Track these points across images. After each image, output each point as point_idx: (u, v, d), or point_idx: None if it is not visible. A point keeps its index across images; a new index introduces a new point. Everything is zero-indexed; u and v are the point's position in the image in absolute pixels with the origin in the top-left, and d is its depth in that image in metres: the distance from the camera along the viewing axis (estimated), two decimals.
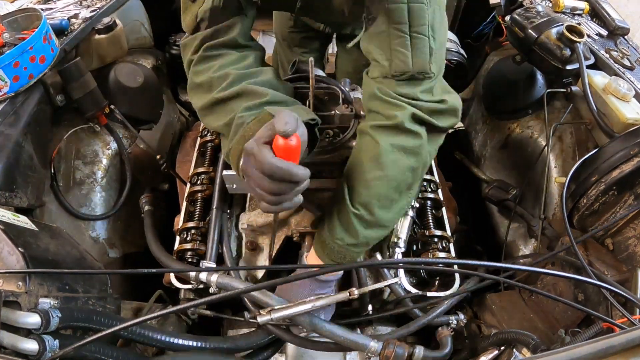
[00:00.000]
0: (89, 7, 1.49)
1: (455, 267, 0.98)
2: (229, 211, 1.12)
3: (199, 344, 0.81)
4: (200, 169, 1.18)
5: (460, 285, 1.01)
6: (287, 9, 1.21)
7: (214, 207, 1.07)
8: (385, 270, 0.99)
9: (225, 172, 1.02)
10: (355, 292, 0.81)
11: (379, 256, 1.04)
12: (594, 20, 1.55)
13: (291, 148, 0.66)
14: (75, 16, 1.43)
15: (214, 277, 0.89)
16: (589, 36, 1.42)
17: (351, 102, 1.15)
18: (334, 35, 1.67)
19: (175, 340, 0.80)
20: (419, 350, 0.85)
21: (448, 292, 1.00)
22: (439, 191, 1.19)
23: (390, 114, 0.83)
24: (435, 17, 0.82)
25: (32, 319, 0.68)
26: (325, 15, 1.23)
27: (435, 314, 0.96)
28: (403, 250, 1.03)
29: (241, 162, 0.73)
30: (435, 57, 0.83)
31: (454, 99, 0.90)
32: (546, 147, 1.32)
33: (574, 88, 1.36)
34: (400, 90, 0.83)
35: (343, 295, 0.82)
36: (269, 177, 0.66)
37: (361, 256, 0.95)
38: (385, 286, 0.91)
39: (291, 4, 1.01)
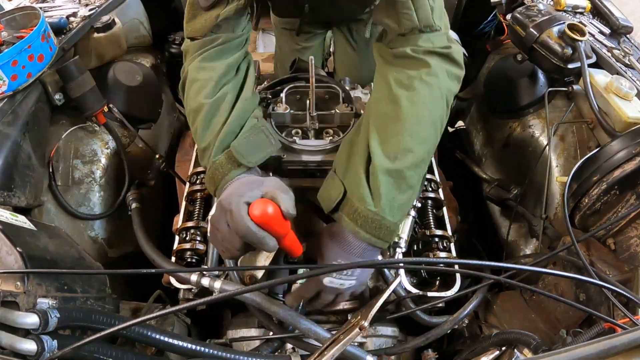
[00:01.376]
0: (87, 5, 1.48)
1: (456, 267, 0.98)
2: None
3: (199, 348, 0.80)
4: (200, 168, 1.17)
5: (461, 285, 1.01)
6: (296, 15, 1.26)
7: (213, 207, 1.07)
8: (386, 270, 0.99)
9: None
10: (365, 324, 0.81)
11: (379, 256, 1.03)
12: (596, 18, 1.54)
13: (270, 217, 0.71)
14: (74, 14, 1.43)
15: (218, 284, 0.89)
16: (590, 34, 1.41)
17: (351, 101, 1.15)
18: (331, 40, 1.69)
19: (175, 342, 0.79)
20: None
21: (448, 292, 0.99)
22: (440, 190, 1.18)
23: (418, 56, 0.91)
24: None
25: (31, 319, 0.67)
26: (333, 16, 1.28)
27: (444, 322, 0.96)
28: (404, 250, 1.03)
29: (213, 212, 0.78)
30: (436, 13, 0.92)
31: (458, 49, 0.97)
32: (547, 147, 1.32)
33: (575, 87, 1.36)
34: (413, 42, 0.92)
35: (355, 333, 0.82)
36: (241, 237, 0.71)
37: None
38: (389, 291, 0.90)
39: (300, 10, 1.04)
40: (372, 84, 1.42)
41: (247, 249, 0.78)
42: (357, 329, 0.80)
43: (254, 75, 1.02)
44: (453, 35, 1.00)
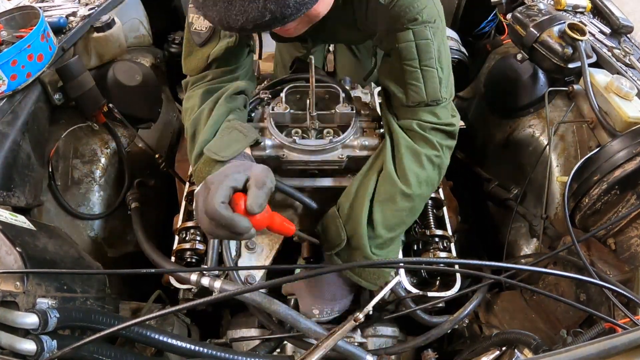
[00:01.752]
0: (87, 4, 1.48)
1: (457, 267, 0.98)
2: None
3: (198, 349, 0.80)
4: None
5: (461, 286, 1.01)
6: (297, 40, 1.29)
7: None
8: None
9: None
10: (360, 316, 0.81)
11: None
12: (596, 18, 1.54)
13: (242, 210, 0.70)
14: (74, 14, 1.42)
15: (218, 284, 0.89)
16: (591, 34, 1.41)
17: (352, 100, 1.15)
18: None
19: (174, 342, 0.79)
20: None
21: (449, 292, 0.99)
22: (440, 190, 1.18)
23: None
24: (440, 49, 0.90)
25: (30, 319, 0.67)
26: (333, 40, 1.34)
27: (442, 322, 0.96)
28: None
29: (198, 187, 0.76)
30: (444, 83, 0.92)
31: (457, 122, 0.99)
32: (548, 146, 1.31)
33: (575, 86, 1.35)
34: (419, 116, 0.93)
35: (349, 325, 0.82)
36: (210, 219, 0.69)
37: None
38: (388, 290, 0.90)
39: (300, 38, 1.07)
40: (372, 84, 1.42)
41: (221, 235, 0.72)
42: (352, 321, 0.81)
43: (238, 84, 1.01)
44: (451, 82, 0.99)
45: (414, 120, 0.93)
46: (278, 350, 0.99)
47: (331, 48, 1.84)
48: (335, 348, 0.85)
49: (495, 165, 1.64)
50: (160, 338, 0.78)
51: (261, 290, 0.93)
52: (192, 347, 0.79)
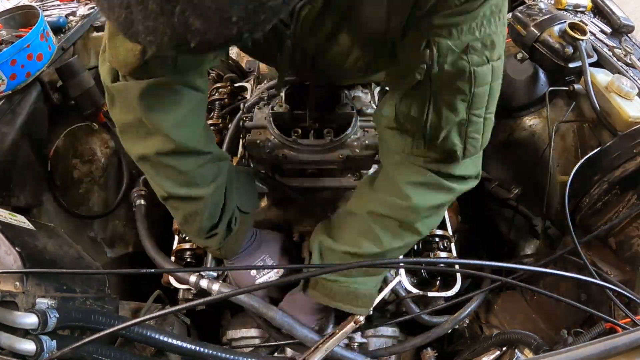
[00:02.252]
0: (86, 4, 1.48)
1: (457, 267, 0.98)
2: None
3: (198, 349, 0.79)
4: None
5: (461, 286, 1.01)
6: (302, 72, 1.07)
7: None
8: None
9: None
10: (361, 318, 0.81)
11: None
12: (597, 17, 1.54)
13: None
14: (73, 13, 1.42)
15: (216, 287, 0.88)
16: (591, 33, 1.41)
17: (351, 100, 1.14)
18: None
19: (175, 342, 0.79)
20: None
21: (449, 293, 0.99)
22: None
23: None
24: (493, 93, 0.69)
25: (30, 320, 0.67)
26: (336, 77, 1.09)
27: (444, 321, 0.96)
28: None
29: None
30: (485, 136, 0.74)
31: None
32: (548, 146, 1.31)
33: (576, 86, 1.35)
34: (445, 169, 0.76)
35: (350, 326, 0.81)
36: None
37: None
38: (389, 290, 0.90)
39: (305, 70, 0.92)
40: (372, 84, 1.41)
41: None
42: (352, 323, 0.81)
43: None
44: None
45: (428, 172, 0.74)
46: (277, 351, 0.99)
47: None
48: (334, 355, 0.85)
49: (496, 165, 1.63)
50: (160, 337, 0.78)
51: (260, 290, 0.93)
52: (192, 347, 0.79)
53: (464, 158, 0.73)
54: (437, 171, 0.75)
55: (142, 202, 1.26)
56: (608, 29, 1.48)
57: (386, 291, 0.91)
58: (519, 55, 1.48)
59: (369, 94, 1.31)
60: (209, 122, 1.33)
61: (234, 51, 2.02)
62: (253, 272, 0.94)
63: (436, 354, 0.99)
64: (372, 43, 0.72)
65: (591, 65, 1.28)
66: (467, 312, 0.98)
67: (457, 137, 0.70)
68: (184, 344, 0.78)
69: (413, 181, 0.76)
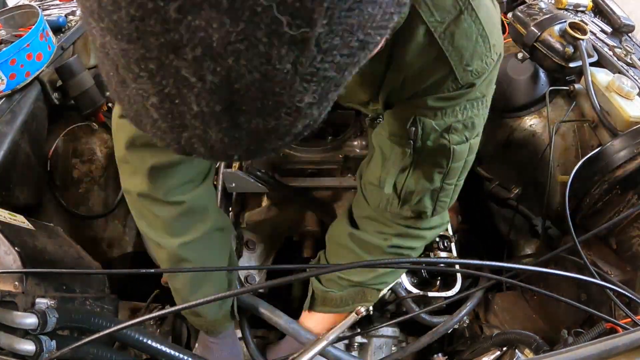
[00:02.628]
0: None
1: (457, 266, 0.98)
2: (230, 209, 1.12)
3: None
4: None
5: (462, 285, 1.01)
6: None
7: None
8: None
9: (224, 170, 1.02)
10: (362, 310, 0.81)
11: None
12: (597, 17, 1.53)
13: None
14: (73, 13, 1.42)
15: None
16: (592, 33, 1.41)
17: None
18: None
19: (170, 351, 0.77)
20: None
21: (449, 292, 0.99)
22: None
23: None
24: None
25: (29, 320, 0.66)
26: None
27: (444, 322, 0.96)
28: None
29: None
30: (453, 197, 0.81)
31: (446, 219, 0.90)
32: (549, 146, 1.31)
33: (576, 86, 1.35)
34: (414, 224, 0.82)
35: (352, 318, 0.81)
36: None
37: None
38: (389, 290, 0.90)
39: None
40: None
41: None
42: (353, 314, 0.81)
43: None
44: None
45: (403, 227, 0.81)
46: None
47: None
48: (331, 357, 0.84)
49: (496, 164, 1.63)
50: (154, 345, 0.76)
51: (260, 290, 0.93)
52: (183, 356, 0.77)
53: (432, 217, 0.80)
54: (406, 225, 0.82)
55: None
56: (608, 29, 1.47)
57: (386, 291, 0.90)
58: (519, 55, 1.47)
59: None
60: None
61: None
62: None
63: (446, 359, 0.99)
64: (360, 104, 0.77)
65: (592, 64, 1.27)
66: (466, 310, 0.97)
67: (429, 201, 0.77)
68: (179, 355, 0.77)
69: (383, 232, 0.84)
